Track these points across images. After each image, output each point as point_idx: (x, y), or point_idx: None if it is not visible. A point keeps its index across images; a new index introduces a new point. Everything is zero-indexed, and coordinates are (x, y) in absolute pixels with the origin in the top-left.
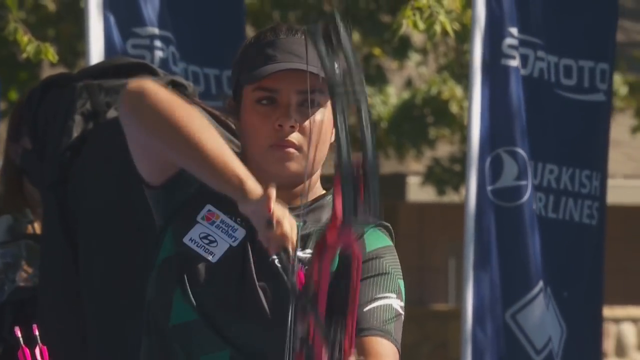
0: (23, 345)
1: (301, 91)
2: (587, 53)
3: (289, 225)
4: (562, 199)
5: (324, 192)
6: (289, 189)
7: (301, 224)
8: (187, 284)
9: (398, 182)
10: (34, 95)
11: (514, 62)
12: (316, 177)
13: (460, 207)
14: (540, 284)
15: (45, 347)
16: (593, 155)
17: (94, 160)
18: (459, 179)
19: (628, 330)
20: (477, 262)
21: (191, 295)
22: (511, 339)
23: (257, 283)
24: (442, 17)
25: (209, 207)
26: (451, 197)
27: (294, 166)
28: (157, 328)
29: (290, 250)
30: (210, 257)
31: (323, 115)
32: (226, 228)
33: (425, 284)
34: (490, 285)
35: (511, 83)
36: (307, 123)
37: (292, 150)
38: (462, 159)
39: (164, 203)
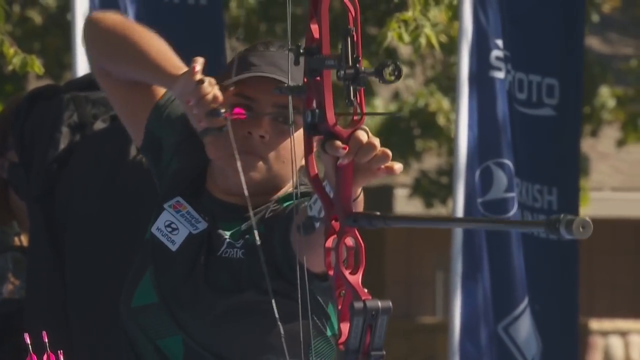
0: (32, 353)
1: (278, 105)
2: (535, 67)
3: (210, 82)
4: (524, 213)
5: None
6: (257, 196)
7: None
8: (152, 272)
9: (385, 194)
10: (20, 107)
11: (501, 74)
12: (284, 190)
13: None
14: (526, 300)
15: (53, 355)
16: (544, 170)
17: (81, 171)
18: (447, 192)
19: (615, 343)
20: (466, 275)
21: (154, 279)
22: (503, 352)
23: (203, 276)
24: (427, 30)
25: (178, 198)
26: (439, 209)
27: (255, 175)
28: (122, 308)
29: (220, 108)
30: (171, 246)
31: (296, 134)
32: (190, 218)
33: (412, 297)
34: (483, 297)
35: (498, 95)
36: (278, 136)
37: (256, 158)
38: (449, 171)
39: (152, 166)
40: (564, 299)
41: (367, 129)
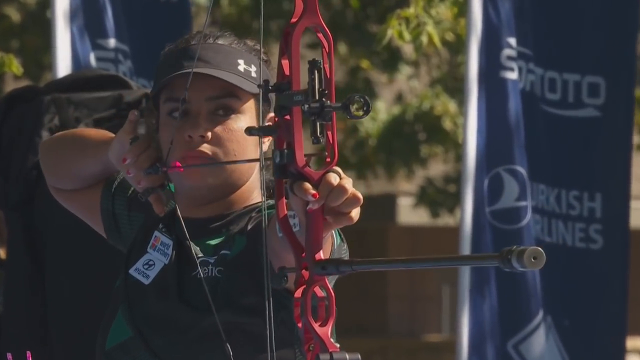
0: None
1: (211, 98)
2: (571, 65)
3: (147, 138)
4: (552, 221)
5: (258, 201)
6: (221, 199)
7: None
8: (125, 308)
9: (388, 203)
10: None
11: (513, 75)
12: (249, 186)
13: (455, 231)
14: (541, 313)
15: None
16: (583, 175)
17: None
18: (454, 200)
19: None
20: (473, 290)
21: (127, 315)
22: None
23: (178, 298)
24: (429, 28)
25: (155, 233)
26: (446, 219)
27: (208, 178)
28: (97, 356)
29: (158, 167)
30: (144, 280)
31: (240, 122)
32: (163, 248)
33: (417, 313)
34: (490, 314)
35: (510, 97)
36: (221, 131)
37: (202, 160)
38: (456, 178)
39: (123, 245)
40: (607, 315)
41: (339, 170)
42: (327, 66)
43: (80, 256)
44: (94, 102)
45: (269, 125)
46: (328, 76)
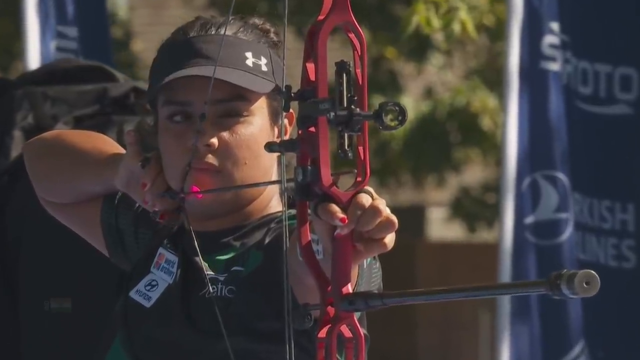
0: None
1: (217, 101)
2: (603, 54)
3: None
4: (586, 236)
5: (276, 211)
6: (235, 211)
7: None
8: (123, 334)
9: (416, 215)
10: None
11: (555, 66)
12: (265, 194)
13: (494, 247)
14: (582, 343)
15: None
16: (615, 183)
17: None
18: (493, 212)
19: None
20: (515, 317)
21: (125, 342)
22: None
23: (184, 320)
24: (463, 14)
25: (159, 250)
26: (484, 235)
27: (220, 195)
28: None
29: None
30: (145, 303)
31: (250, 125)
32: (167, 266)
33: (451, 342)
34: (530, 343)
35: (551, 91)
36: (229, 138)
37: (212, 175)
38: (497, 187)
39: (128, 263)
40: (636, 346)
41: (371, 190)
42: (358, 71)
43: (64, 278)
44: (74, 96)
45: (291, 139)
46: (359, 82)
